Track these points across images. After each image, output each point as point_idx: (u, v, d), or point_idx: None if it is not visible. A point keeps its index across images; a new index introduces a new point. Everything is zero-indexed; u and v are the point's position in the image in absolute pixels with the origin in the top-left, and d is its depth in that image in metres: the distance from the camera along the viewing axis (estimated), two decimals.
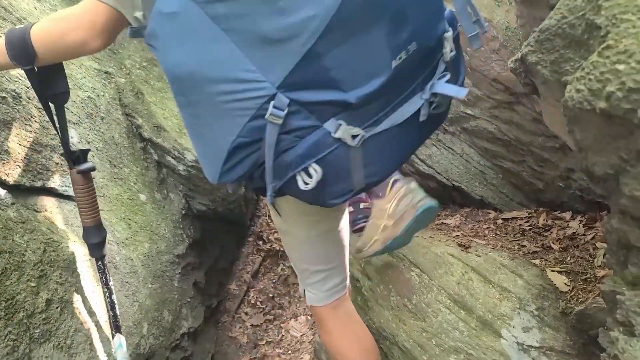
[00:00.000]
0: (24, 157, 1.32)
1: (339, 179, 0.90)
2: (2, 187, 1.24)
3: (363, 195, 2.48)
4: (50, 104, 1.27)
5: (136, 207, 1.81)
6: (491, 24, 1.90)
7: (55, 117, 1.29)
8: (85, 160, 1.34)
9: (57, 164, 1.45)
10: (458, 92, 0.91)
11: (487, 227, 2.25)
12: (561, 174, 2.07)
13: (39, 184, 1.36)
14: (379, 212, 1.65)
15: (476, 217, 2.42)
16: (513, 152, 2.23)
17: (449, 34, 0.94)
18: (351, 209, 2.02)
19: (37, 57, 1.09)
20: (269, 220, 3.00)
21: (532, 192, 2.30)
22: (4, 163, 1.24)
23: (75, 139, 1.57)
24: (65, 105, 1.29)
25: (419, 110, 0.92)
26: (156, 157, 2.05)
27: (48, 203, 1.40)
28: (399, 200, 1.56)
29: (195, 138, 0.93)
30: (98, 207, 1.36)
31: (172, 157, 2.03)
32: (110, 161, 1.74)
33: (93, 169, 1.35)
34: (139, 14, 0.98)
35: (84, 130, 1.63)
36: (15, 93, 1.35)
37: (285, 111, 0.81)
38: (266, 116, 0.81)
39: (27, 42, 1.06)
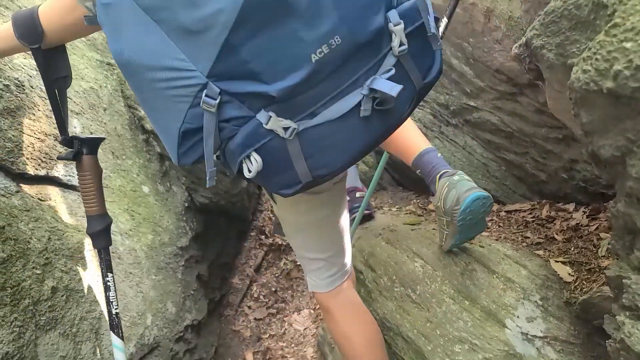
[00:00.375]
0: (28, 146, 1.32)
1: (281, 169, 0.90)
2: (6, 175, 1.24)
3: (359, 184, 2.48)
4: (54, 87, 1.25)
5: (139, 198, 1.81)
6: (494, 14, 1.90)
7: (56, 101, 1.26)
8: (91, 143, 1.30)
9: (59, 152, 1.45)
10: (391, 89, 0.86)
11: (490, 220, 2.24)
12: (564, 165, 2.07)
13: (42, 172, 1.36)
14: (436, 209, 1.69)
15: None
16: (516, 143, 2.22)
17: (399, 27, 0.89)
18: (347, 197, 2.04)
19: (44, 36, 1.09)
20: (271, 215, 3.00)
21: (535, 184, 2.29)
22: (8, 151, 1.24)
23: (78, 129, 1.57)
24: (67, 94, 1.28)
25: (360, 105, 0.89)
26: (158, 150, 2.05)
27: (52, 192, 1.40)
28: (445, 196, 1.59)
29: (153, 122, 0.94)
30: (103, 195, 1.34)
31: None
32: (113, 152, 1.74)
33: (93, 154, 1.30)
34: (88, 4, 0.98)
35: (86, 121, 1.63)
36: (19, 81, 1.34)
37: (218, 100, 0.83)
38: (200, 104, 0.83)
39: (35, 20, 1.08)
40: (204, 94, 0.83)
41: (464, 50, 2.14)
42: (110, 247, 1.33)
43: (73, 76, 1.51)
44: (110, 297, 1.30)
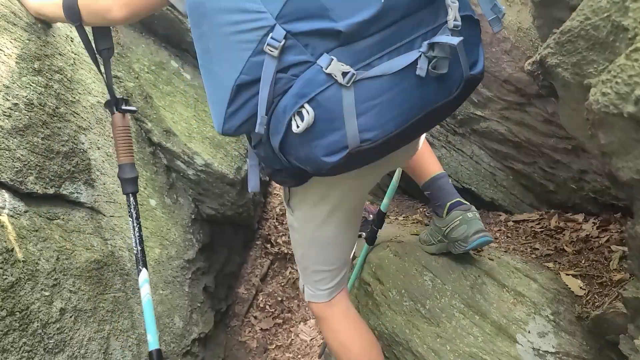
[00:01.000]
0: (37, 165, 1.31)
1: (330, 127, 0.91)
2: (15, 195, 1.23)
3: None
4: (98, 57, 1.50)
5: (146, 212, 1.80)
6: (502, 25, 1.88)
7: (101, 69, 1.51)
8: (128, 104, 1.54)
9: (68, 170, 1.44)
10: (451, 39, 0.90)
11: (498, 230, 2.23)
12: (573, 175, 2.05)
13: (51, 191, 1.35)
14: (435, 227, 1.83)
15: (487, 219, 2.40)
16: (524, 153, 2.21)
17: (454, 4, 0.96)
18: None
19: (82, 18, 1.34)
20: (276, 224, 2.99)
21: (543, 194, 2.28)
22: (16, 171, 1.23)
23: (86, 145, 1.56)
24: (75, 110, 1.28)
25: (416, 64, 0.92)
26: (165, 162, 2.04)
27: (60, 210, 1.39)
28: (454, 227, 1.69)
29: (206, 78, 0.97)
30: (132, 148, 1.56)
31: (182, 162, 2.01)
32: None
33: (135, 111, 1.63)
34: None
35: (94, 136, 1.62)
36: (27, 99, 1.33)
37: (282, 42, 0.87)
38: (264, 47, 0.87)
39: (75, 4, 1.33)
40: (269, 37, 0.87)
41: None
42: (117, 259, 1.35)
43: (82, 91, 1.51)
44: (137, 237, 1.48)
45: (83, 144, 1.54)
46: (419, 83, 0.93)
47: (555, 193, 2.19)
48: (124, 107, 1.51)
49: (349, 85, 0.88)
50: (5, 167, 1.20)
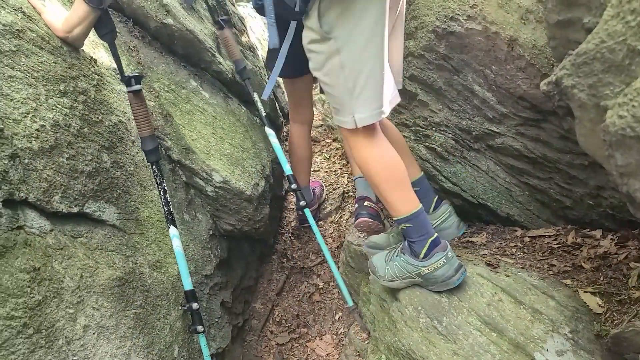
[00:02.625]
0: (62, 184, 1.34)
1: None
2: (41, 214, 1.26)
3: (372, 196, 2.53)
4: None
5: (166, 229, 1.83)
6: (517, 43, 1.89)
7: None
8: (137, 84, 1.71)
9: (91, 189, 1.47)
10: None
11: (515, 245, 2.22)
12: (590, 191, 2.04)
13: (75, 209, 1.38)
14: (410, 266, 1.84)
15: (502, 234, 2.39)
16: (540, 169, 2.20)
17: None
18: (356, 204, 2.41)
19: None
20: (292, 238, 3.01)
21: (559, 209, 2.27)
22: (43, 191, 1.27)
23: (109, 163, 1.60)
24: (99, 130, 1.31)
25: None
26: (184, 179, 2.07)
27: (84, 228, 1.42)
28: (437, 267, 1.76)
29: None
30: (151, 121, 1.77)
31: (201, 179, 2.05)
32: (141, 184, 1.76)
33: (140, 90, 1.73)
34: None
35: (116, 155, 1.66)
36: (54, 121, 1.38)
37: None
38: None
39: None
40: None
41: (486, 77, 2.13)
42: (138, 276, 1.39)
43: (104, 111, 1.55)
44: (163, 199, 1.75)
45: (106, 162, 1.58)
46: None
47: (572, 209, 2.18)
48: (132, 87, 1.69)
49: None
50: (33, 187, 1.24)
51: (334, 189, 3.37)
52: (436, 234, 1.78)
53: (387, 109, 1.67)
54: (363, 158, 1.71)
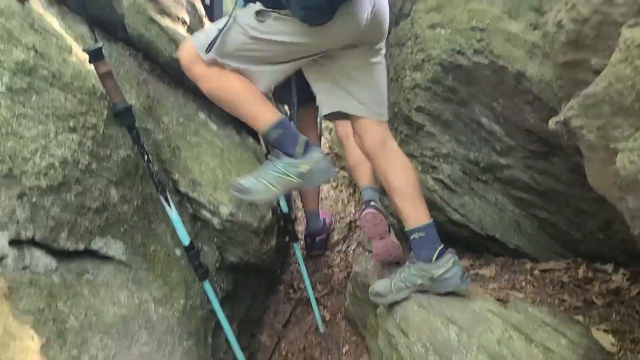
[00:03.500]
0: (69, 221, 1.35)
1: None
2: (47, 253, 1.26)
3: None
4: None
5: (172, 262, 1.82)
6: (524, 77, 1.90)
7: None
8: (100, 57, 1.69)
9: (98, 225, 1.48)
10: None
11: (524, 279, 2.19)
12: (600, 225, 2.02)
13: (81, 247, 1.38)
14: (417, 271, 1.89)
15: (512, 267, 2.37)
16: (549, 202, 2.18)
17: None
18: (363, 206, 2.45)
19: None
20: (298, 268, 2.99)
21: (569, 242, 2.24)
22: (50, 229, 1.27)
23: (116, 199, 1.60)
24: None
25: None
26: (191, 211, 2.07)
27: (90, 265, 1.42)
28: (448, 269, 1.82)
29: None
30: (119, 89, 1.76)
31: (208, 211, 2.05)
32: (148, 218, 1.76)
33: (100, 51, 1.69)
34: None
35: (123, 189, 1.66)
36: (62, 158, 1.39)
37: None
38: None
39: None
40: None
41: (493, 110, 2.14)
42: (144, 312, 1.41)
43: (113, 146, 1.56)
44: (150, 169, 1.79)
45: (113, 197, 1.59)
46: None
47: (583, 242, 2.16)
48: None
49: None
50: (40, 226, 1.24)
51: (341, 218, 3.36)
52: (442, 245, 1.84)
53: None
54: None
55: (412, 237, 1.87)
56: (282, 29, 1.59)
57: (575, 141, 1.18)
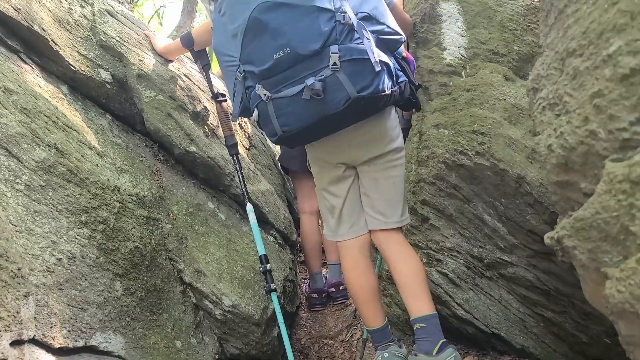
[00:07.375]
0: (70, 318, 1.37)
1: (267, 121, 1.65)
2: (47, 351, 1.27)
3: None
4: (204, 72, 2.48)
5: (172, 355, 1.81)
6: (525, 181, 1.95)
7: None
8: (223, 97, 2.44)
9: (100, 320, 1.49)
10: (312, 84, 1.53)
11: None
12: (607, 329, 1.98)
13: (81, 343, 1.39)
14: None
15: None
16: (554, 302, 2.16)
17: (335, 55, 1.53)
18: (332, 289, 3.26)
19: (194, 43, 2.34)
20: (301, 357, 2.92)
21: (576, 344, 2.19)
22: (51, 326, 1.29)
23: (120, 292, 1.63)
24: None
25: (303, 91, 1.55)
26: (194, 301, 2.08)
27: None
28: None
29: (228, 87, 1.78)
30: (231, 124, 2.43)
31: (210, 302, 2.06)
32: (150, 309, 1.78)
33: (225, 100, 2.44)
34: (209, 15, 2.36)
35: (129, 281, 1.69)
36: (71, 254, 1.43)
37: (242, 75, 1.65)
38: (236, 77, 1.68)
39: (190, 34, 2.36)
40: (237, 72, 1.66)
41: (496, 209, 2.17)
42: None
43: (122, 238, 1.61)
44: (242, 182, 2.29)
45: (117, 291, 1.61)
46: (308, 101, 1.56)
47: (590, 345, 2.11)
48: (218, 98, 2.40)
49: (267, 101, 1.61)
50: (42, 324, 1.26)
51: (346, 306, 3.32)
52: (445, 339, 1.85)
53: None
54: None
55: (415, 327, 1.89)
56: None
57: (569, 259, 1.20)
